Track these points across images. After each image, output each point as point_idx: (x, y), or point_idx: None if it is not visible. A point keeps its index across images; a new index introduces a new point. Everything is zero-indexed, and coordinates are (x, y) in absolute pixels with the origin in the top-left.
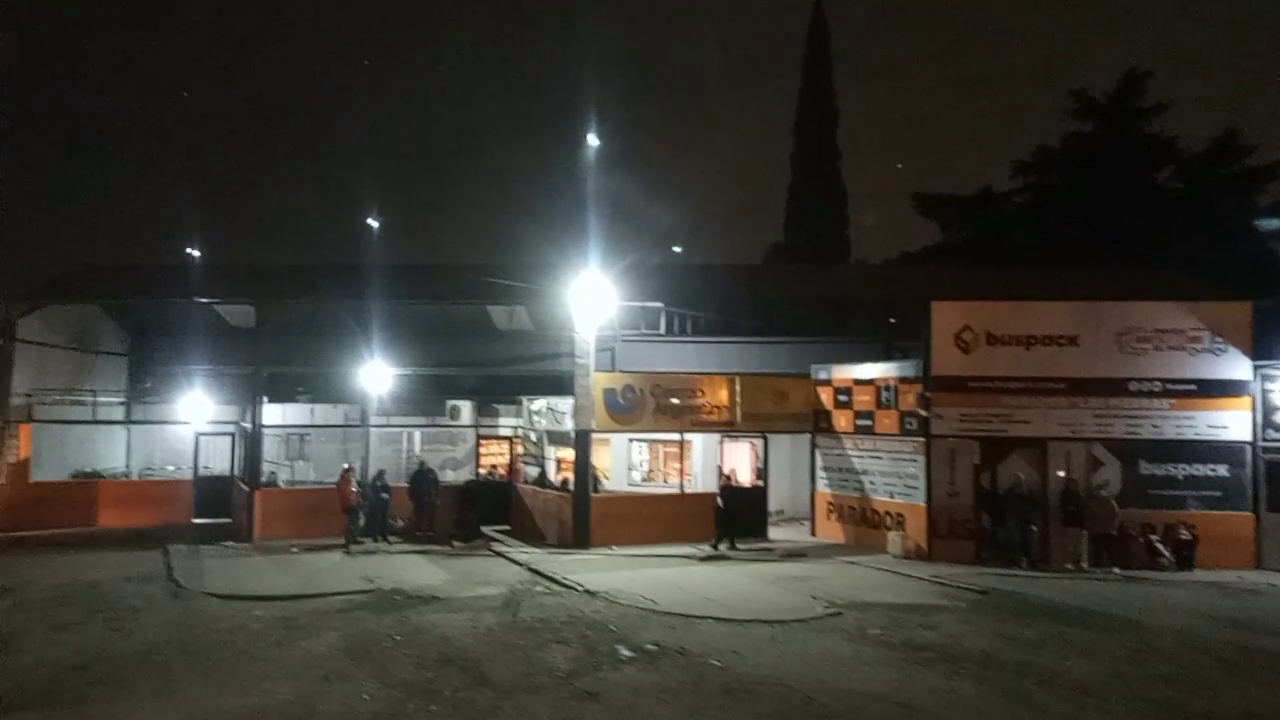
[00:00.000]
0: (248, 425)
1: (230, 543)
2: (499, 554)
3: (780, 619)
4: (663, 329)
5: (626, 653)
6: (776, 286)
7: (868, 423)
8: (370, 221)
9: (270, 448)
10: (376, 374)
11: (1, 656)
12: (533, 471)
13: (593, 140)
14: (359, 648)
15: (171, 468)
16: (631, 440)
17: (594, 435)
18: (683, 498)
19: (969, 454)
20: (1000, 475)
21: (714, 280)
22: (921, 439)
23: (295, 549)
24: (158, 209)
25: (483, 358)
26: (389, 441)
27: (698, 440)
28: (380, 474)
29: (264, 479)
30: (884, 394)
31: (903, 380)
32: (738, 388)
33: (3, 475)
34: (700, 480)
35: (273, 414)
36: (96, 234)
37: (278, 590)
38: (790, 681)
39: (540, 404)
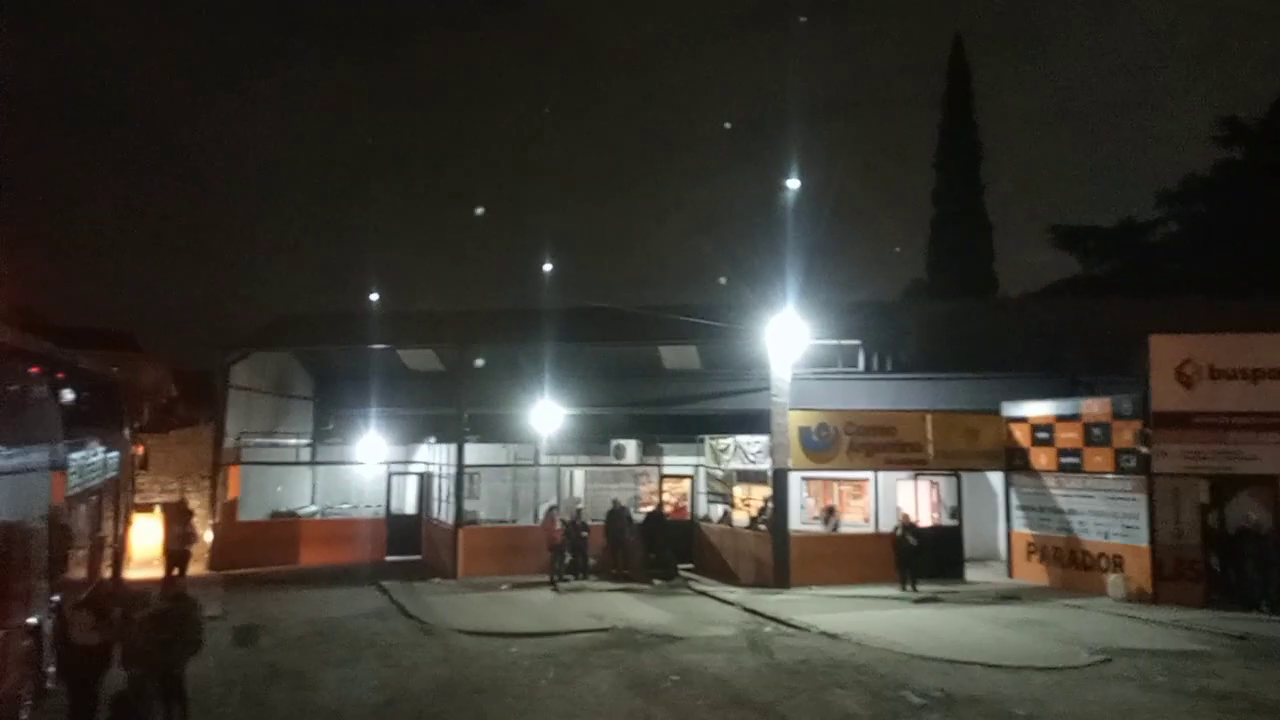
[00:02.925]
0: (432, 464)
1: (438, 579)
2: (701, 593)
3: (1051, 666)
4: (861, 365)
5: (915, 699)
6: (957, 323)
7: (1074, 460)
8: (546, 267)
9: (443, 487)
10: (547, 414)
11: (301, 693)
12: (718, 510)
13: (792, 184)
14: (642, 687)
15: (346, 506)
16: (804, 479)
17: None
18: (879, 538)
19: (1194, 492)
20: (1229, 514)
21: (885, 316)
22: (1142, 477)
23: (504, 586)
24: (341, 260)
25: (650, 397)
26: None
27: (874, 479)
28: (579, 513)
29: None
30: (1094, 431)
31: (1116, 416)
32: (929, 425)
33: (218, 515)
34: (880, 520)
35: (443, 454)
36: (289, 285)
37: (519, 628)
38: None
39: (726, 442)
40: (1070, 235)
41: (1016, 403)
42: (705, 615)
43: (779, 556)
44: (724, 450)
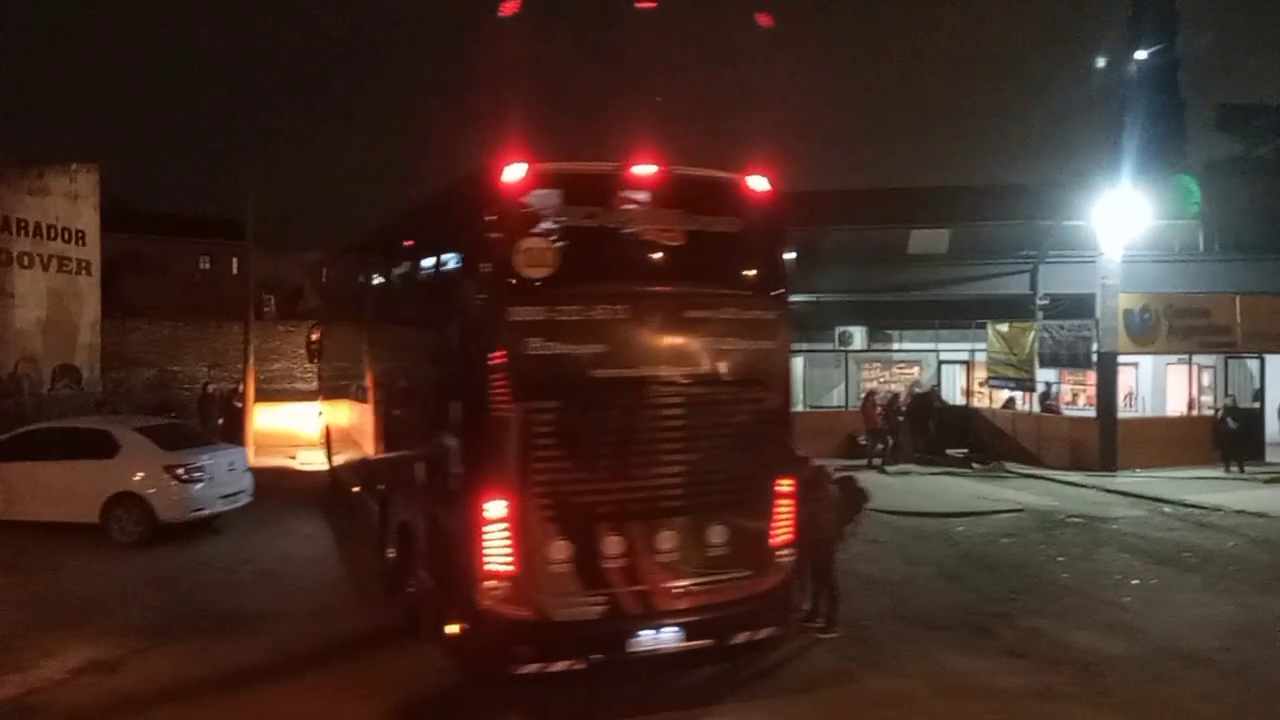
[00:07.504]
0: None
1: None
2: (1028, 476)
3: None
4: (1201, 246)
5: None
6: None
7: None
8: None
9: None
10: None
11: (864, 566)
12: (1001, 395)
13: (1140, 55)
14: (1167, 563)
15: None
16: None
17: None
18: (1191, 420)
19: None
20: None
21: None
22: None
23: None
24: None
25: (885, 283)
26: None
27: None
28: (895, 397)
29: None
30: None
31: None
32: (1238, 308)
33: None
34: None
35: None
36: None
37: (926, 508)
38: None
39: (1025, 325)
40: (1235, 114)
41: None
42: (1071, 497)
43: (1107, 440)
44: (1021, 334)
